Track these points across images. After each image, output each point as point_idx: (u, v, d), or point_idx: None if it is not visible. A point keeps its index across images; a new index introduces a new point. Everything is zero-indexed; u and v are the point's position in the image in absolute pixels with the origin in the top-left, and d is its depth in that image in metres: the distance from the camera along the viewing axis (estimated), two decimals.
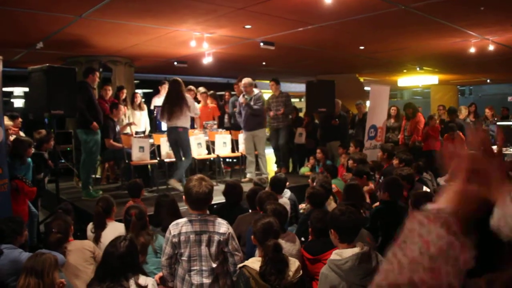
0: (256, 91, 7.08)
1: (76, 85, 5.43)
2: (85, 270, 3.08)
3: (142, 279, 2.49)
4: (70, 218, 3.49)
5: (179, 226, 2.65)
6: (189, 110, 5.95)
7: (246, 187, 5.02)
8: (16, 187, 4.13)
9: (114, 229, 3.61)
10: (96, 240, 3.57)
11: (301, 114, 9.96)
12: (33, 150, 4.90)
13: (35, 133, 5.15)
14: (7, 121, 4.69)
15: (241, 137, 7.41)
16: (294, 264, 2.59)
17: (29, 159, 4.50)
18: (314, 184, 4.75)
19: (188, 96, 6.16)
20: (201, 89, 8.21)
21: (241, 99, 7.10)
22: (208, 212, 2.80)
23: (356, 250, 2.39)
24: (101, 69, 8.51)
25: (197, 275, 2.61)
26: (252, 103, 6.91)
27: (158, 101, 7.82)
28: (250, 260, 2.61)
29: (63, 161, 7.67)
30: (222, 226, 2.66)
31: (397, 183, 3.93)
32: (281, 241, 2.71)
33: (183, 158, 6.08)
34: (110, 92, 6.89)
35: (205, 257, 2.61)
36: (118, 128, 6.94)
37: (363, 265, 2.33)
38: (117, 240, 2.54)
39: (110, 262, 2.46)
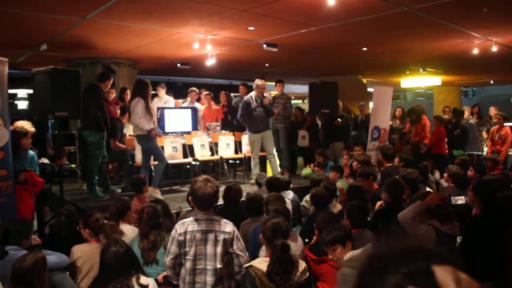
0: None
1: (79, 87, 5.45)
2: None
3: (143, 279, 2.50)
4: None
5: (185, 225, 2.66)
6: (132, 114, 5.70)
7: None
8: (25, 179, 4.04)
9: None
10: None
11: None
12: (30, 142, 4.77)
13: (49, 149, 5.25)
14: (29, 127, 4.58)
15: (245, 138, 7.40)
16: (301, 265, 2.60)
17: (32, 152, 4.43)
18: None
19: (138, 101, 5.67)
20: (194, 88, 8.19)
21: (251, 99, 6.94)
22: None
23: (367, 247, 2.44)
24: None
25: (202, 275, 2.62)
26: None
27: (156, 102, 7.79)
28: (257, 260, 2.61)
29: (66, 163, 7.68)
30: (228, 226, 2.69)
31: (397, 183, 3.84)
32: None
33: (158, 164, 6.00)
34: (113, 94, 6.90)
35: (210, 256, 2.62)
36: (125, 130, 6.97)
37: None
38: (110, 246, 2.54)
39: (110, 266, 2.45)
